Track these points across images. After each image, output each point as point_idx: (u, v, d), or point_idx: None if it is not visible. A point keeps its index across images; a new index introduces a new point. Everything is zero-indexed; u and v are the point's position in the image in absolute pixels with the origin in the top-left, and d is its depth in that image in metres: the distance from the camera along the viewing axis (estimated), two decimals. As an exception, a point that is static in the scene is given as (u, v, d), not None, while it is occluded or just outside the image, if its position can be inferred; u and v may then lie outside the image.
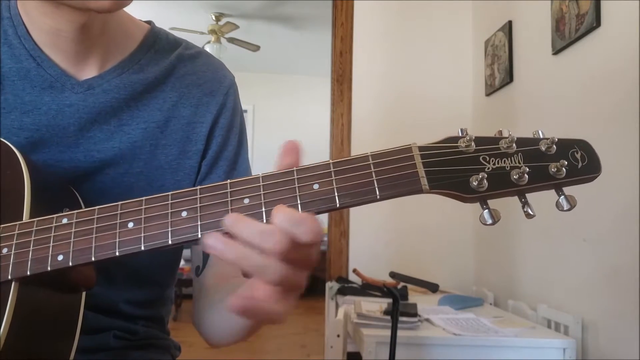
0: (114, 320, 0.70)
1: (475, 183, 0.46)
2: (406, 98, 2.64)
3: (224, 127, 0.74)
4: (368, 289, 2.15)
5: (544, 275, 1.94)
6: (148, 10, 4.38)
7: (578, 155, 0.47)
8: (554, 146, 0.48)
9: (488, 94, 2.46)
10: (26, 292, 0.49)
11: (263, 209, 0.47)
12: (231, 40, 5.13)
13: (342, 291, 2.17)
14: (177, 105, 0.71)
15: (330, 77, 2.66)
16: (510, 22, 2.25)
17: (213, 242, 0.43)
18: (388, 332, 1.42)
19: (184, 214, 0.47)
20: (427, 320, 1.69)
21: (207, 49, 5.00)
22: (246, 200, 0.47)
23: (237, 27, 4.91)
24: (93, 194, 0.65)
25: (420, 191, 0.47)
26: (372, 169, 0.47)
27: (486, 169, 0.47)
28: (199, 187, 0.48)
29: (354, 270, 2.43)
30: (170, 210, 0.48)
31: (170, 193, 0.48)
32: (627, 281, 1.44)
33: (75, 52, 0.65)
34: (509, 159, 0.47)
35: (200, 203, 0.48)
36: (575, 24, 1.72)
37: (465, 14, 2.69)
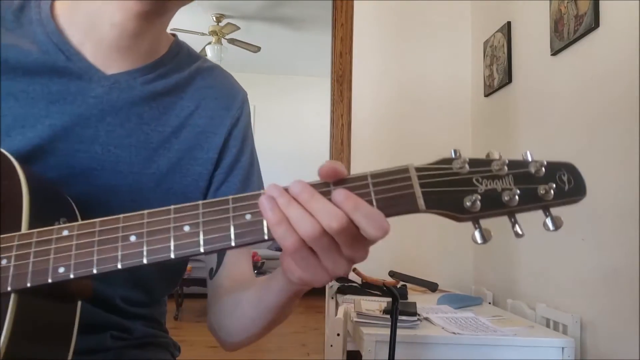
0: (110, 315, 0.70)
1: (468, 204, 0.48)
2: (405, 98, 2.65)
3: (239, 138, 0.78)
4: (368, 288, 2.15)
5: (542, 275, 1.95)
6: (149, 11, 4.37)
7: (565, 178, 0.50)
8: (543, 169, 0.49)
9: (487, 95, 2.47)
10: (24, 302, 0.48)
11: (264, 225, 0.48)
12: (232, 41, 5.14)
13: (342, 290, 2.18)
14: (194, 115, 0.74)
15: (330, 77, 2.67)
16: (509, 23, 2.26)
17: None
18: (388, 331, 1.42)
19: (187, 228, 0.48)
20: (427, 319, 1.70)
21: (208, 50, 5.01)
22: (248, 216, 0.48)
23: (237, 28, 4.92)
24: (104, 188, 0.66)
25: (417, 210, 0.48)
26: (371, 188, 0.48)
27: (479, 190, 0.48)
28: (201, 202, 0.49)
29: (354, 270, 2.43)
30: (172, 225, 0.48)
31: (172, 207, 0.49)
32: (625, 281, 1.45)
33: (113, 46, 0.68)
34: (501, 180, 0.49)
35: (202, 218, 0.48)
36: (574, 25, 1.73)
37: (464, 15, 2.70)
